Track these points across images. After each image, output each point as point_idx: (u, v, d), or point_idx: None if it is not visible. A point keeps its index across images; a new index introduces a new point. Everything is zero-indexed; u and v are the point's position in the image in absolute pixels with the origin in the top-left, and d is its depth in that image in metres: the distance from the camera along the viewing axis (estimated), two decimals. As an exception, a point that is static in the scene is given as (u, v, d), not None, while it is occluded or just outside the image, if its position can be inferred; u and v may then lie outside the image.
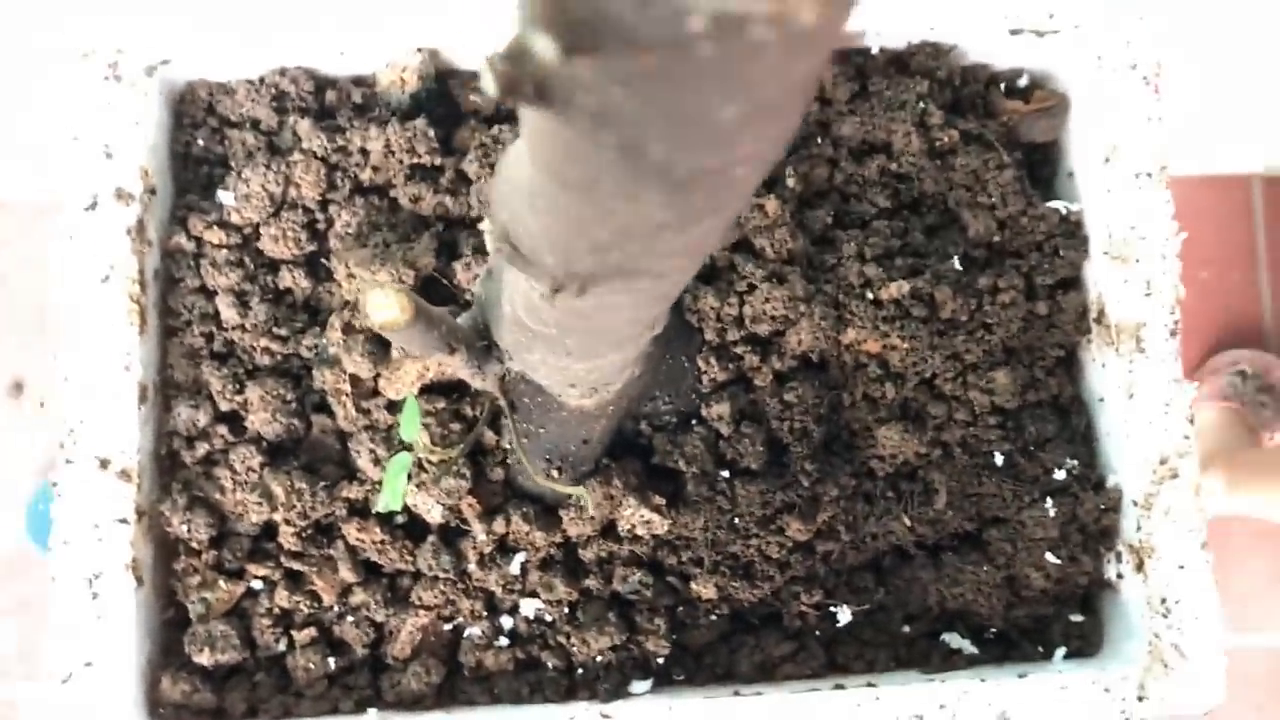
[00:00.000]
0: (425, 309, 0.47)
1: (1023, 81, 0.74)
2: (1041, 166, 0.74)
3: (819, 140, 0.70)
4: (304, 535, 0.65)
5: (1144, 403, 0.67)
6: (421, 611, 0.65)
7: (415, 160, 0.68)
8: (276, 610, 0.65)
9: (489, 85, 0.23)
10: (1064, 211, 0.71)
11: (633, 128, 0.25)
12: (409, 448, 0.62)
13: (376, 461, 0.65)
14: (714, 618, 0.67)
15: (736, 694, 0.64)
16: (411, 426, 0.60)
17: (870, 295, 0.67)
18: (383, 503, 0.61)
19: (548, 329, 0.47)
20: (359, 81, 0.70)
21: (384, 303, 0.44)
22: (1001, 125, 0.72)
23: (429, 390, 0.65)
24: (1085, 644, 0.70)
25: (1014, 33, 0.70)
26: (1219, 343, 1.44)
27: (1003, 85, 0.74)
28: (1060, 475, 0.69)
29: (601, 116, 0.24)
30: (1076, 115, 0.72)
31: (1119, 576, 0.68)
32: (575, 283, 0.37)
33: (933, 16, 0.69)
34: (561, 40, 0.21)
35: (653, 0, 0.20)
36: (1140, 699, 0.65)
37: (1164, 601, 0.66)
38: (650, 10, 0.20)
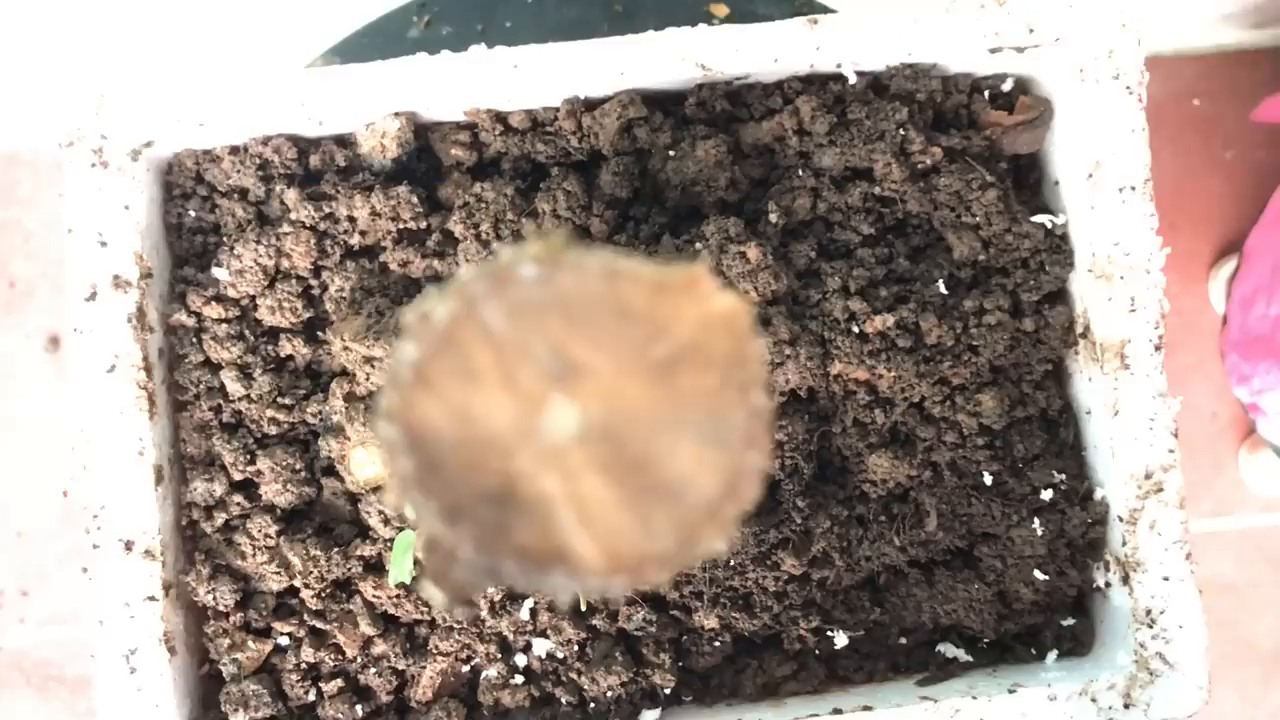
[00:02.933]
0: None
1: (1007, 86, 0.73)
2: (1028, 174, 0.74)
3: (800, 172, 0.70)
4: (323, 595, 0.68)
5: (1129, 419, 0.69)
6: (440, 658, 0.69)
7: (401, 225, 0.69)
8: (304, 665, 0.69)
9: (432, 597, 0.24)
10: (1049, 226, 0.71)
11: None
12: (412, 523, 0.65)
13: (386, 521, 0.68)
14: (717, 644, 0.70)
15: (740, 721, 0.68)
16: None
17: (856, 329, 0.69)
18: (394, 578, 0.64)
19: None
20: (341, 142, 0.71)
21: (366, 460, 0.47)
22: (985, 139, 0.72)
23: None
24: (1077, 645, 0.73)
25: (993, 51, 0.70)
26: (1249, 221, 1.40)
27: (987, 93, 0.73)
28: (1047, 494, 0.71)
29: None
30: (1060, 126, 0.71)
31: (1107, 585, 0.71)
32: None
33: (910, 41, 0.69)
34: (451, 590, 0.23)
35: (537, 583, 0.22)
36: (1126, 706, 0.68)
37: (1149, 613, 0.69)
38: (529, 581, 0.22)
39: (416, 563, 0.65)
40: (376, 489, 0.65)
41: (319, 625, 0.69)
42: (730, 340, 0.23)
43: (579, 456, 0.22)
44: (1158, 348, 0.69)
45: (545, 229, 0.21)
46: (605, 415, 0.22)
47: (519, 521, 0.22)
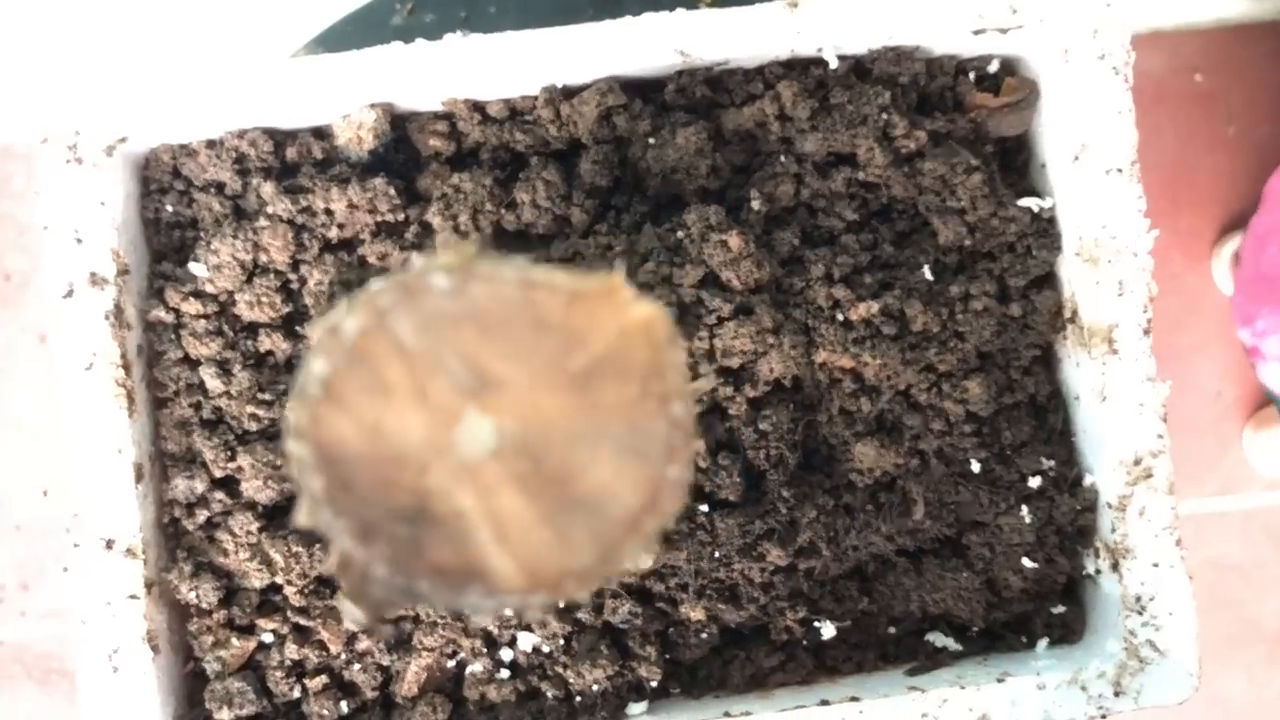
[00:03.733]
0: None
1: (993, 67, 0.72)
2: (1014, 157, 0.73)
3: (782, 158, 0.69)
4: (305, 591, 0.68)
5: (1117, 404, 0.68)
6: (424, 653, 0.69)
7: (379, 218, 0.68)
8: (288, 662, 0.69)
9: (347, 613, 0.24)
10: (1036, 210, 0.70)
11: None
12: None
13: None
14: (704, 636, 0.70)
15: (726, 715, 0.68)
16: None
17: (840, 317, 0.68)
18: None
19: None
20: (318, 134, 0.70)
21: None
22: (970, 122, 0.71)
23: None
24: (1067, 631, 0.72)
25: (977, 33, 0.69)
26: (1253, 198, 1.39)
27: (972, 75, 0.72)
28: (1036, 481, 0.70)
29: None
30: (1046, 107, 0.70)
31: (1097, 573, 0.70)
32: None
33: (891, 24, 0.68)
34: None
35: (453, 602, 0.21)
36: (1117, 694, 0.68)
37: (1139, 599, 0.68)
38: (445, 600, 0.21)
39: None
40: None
41: (302, 622, 0.69)
42: (649, 350, 0.22)
43: (495, 471, 0.22)
44: (1146, 331, 0.68)
45: (456, 239, 0.20)
46: (521, 429, 0.22)
47: (434, 539, 0.22)
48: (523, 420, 0.22)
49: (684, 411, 0.22)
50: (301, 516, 0.22)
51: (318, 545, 0.67)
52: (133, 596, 0.66)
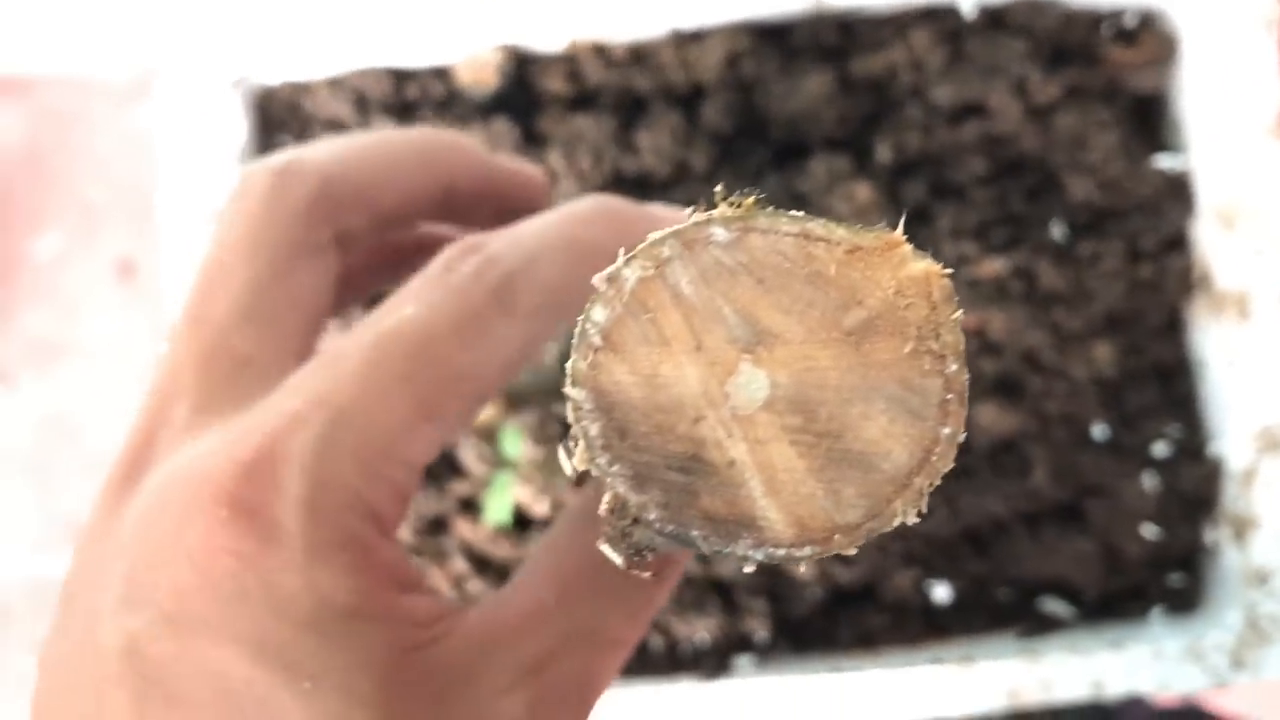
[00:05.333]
0: (521, 396, 0.49)
1: (1131, 22, 0.70)
2: (1149, 117, 0.71)
3: (912, 108, 0.68)
4: (419, 531, 0.68)
5: (1247, 371, 0.66)
6: (533, 598, 0.69)
7: (500, 160, 0.67)
8: (398, 601, 0.69)
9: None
10: (1170, 170, 0.68)
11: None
12: (510, 462, 0.64)
13: (481, 459, 0.67)
14: (813, 593, 0.69)
15: (835, 669, 0.67)
16: (513, 447, 0.62)
17: (968, 273, 0.66)
18: (492, 515, 0.64)
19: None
20: (439, 73, 0.69)
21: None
22: (1106, 77, 0.69)
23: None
24: (1183, 602, 0.71)
25: (1120, -17, 0.66)
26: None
27: (1108, 29, 0.70)
28: (1160, 446, 0.68)
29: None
30: (1186, 64, 0.68)
31: (1218, 544, 0.69)
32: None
33: (1032, -28, 0.66)
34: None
35: (722, 551, 0.21)
36: (1234, 667, 0.67)
37: (1262, 572, 0.66)
38: (715, 548, 0.21)
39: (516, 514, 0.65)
40: (482, 433, 0.64)
41: (414, 561, 0.69)
42: (926, 307, 0.21)
43: (767, 424, 0.21)
44: (1282, 298, 0.66)
45: (736, 190, 0.20)
46: (795, 383, 0.21)
47: (706, 487, 0.21)
48: (796, 374, 0.21)
49: (959, 370, 0.21)
50: (577, 461, 0.22)
51: (431, 486, 0.67)
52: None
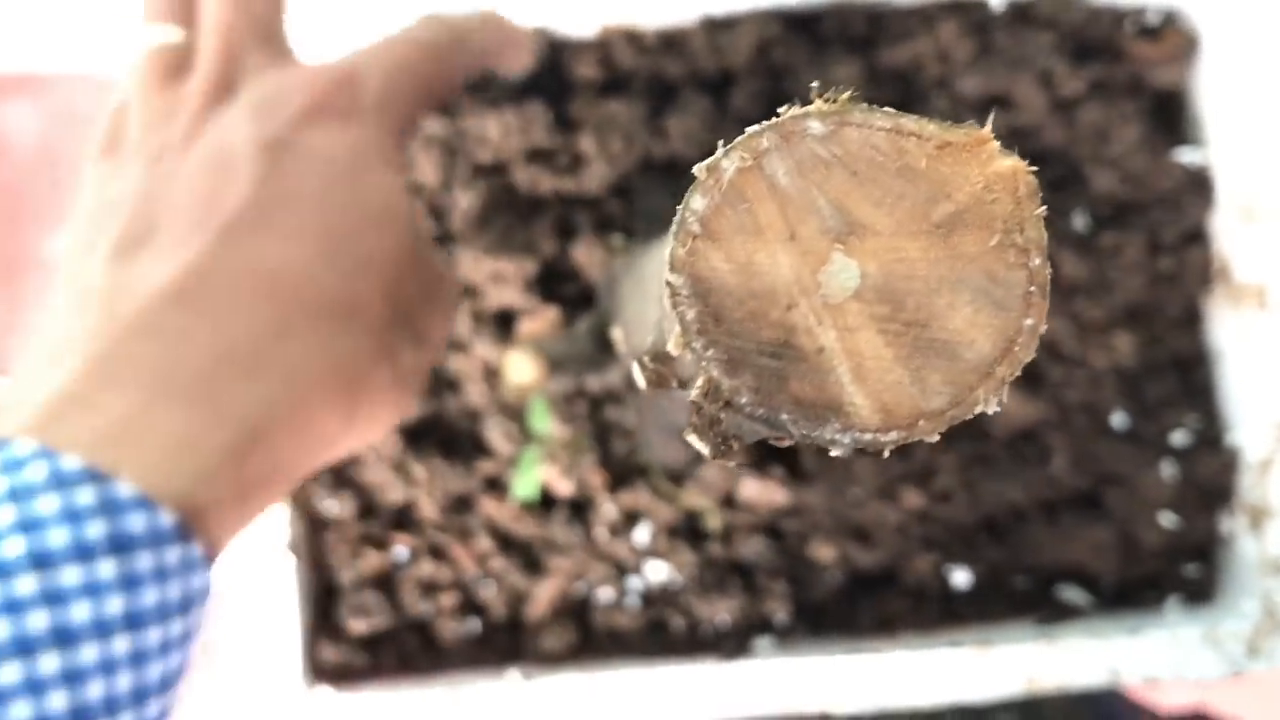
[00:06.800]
0: (557, 362, 0.49)
1: (1153, 18, 0.71)
2: (1170, 112, 0.72)
3: (938, 99, 0.69)
4: (445, 509, 0.69)
5: (1265, 363, 0.67)
6: (556, 577, 0.69)
7: (530, 144, 0.68)
8: (421, 577, 0.69)
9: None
10: (1190, 164, 0.69)
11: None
12: (539, 437, 0.65)
13: (508, 438, 0.68)
14: (833, 576, 0.70)
15: (854, 651, 0.68)
16: (541, 422, 0.62)
17: (988, 262, 0.67)
18: (520, 490, 0.64)
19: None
20: (472, 56, 0.70)
21: (521, 367, 0.47)
22: (1129, 71, 0.70)
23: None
24: (1199, 591, 0.71)
25: (1144, -21, 0.68)
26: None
27: (1132, 24, 0.71)
28: (1178, 435, 0.69)
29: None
30: (1207, 58, 0.69)
31: (1235, 533, 0.69)
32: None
33: (1058, -33, 0.67)
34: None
35: (810, 435, 0.21)
36: (1250, 654, 0.67)
37: (1278, 561, 0.67)
38: (804, 432, 0.22)
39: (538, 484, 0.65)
40: (520, 397, 0.65)
41: (438, 539, 0.69)
42: (1012, 202, 0.22)
43: (856, 312, 0.22)
44: (1301, 291, 0.67)
45: (832, 89, 0.21)
46: (884, 273, 0.22)
47: (796, 372, 0.22)
48: (885, 265, 0.22)
49: (1042, 265, 0.22)
50: (672, 346, 0.23)
51: (459, 464, 0.68)
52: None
